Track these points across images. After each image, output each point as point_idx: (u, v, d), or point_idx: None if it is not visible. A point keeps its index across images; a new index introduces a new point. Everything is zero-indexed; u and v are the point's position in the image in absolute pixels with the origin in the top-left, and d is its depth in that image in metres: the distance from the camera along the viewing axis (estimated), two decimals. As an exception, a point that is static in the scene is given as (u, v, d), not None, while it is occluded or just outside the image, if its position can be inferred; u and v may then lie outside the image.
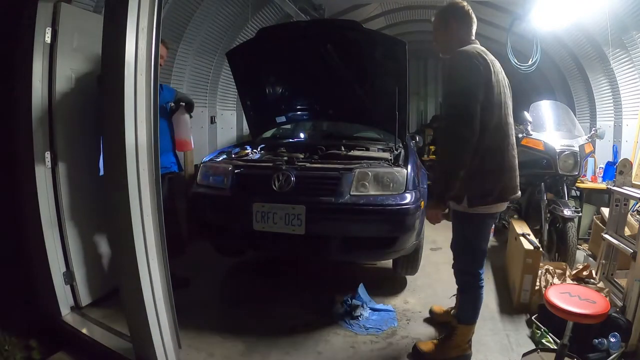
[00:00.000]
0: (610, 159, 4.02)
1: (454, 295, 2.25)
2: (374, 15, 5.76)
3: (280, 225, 2.32)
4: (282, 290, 2.83)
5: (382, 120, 3.14)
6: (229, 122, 5.00)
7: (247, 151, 3.07)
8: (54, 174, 2.22)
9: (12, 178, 2.17)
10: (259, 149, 3.19)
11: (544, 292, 2.23)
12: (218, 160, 2.83)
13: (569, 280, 2.50)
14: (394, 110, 2.76)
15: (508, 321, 2.43)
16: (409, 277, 2.98)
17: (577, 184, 3.68)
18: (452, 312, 2.30)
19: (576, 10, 3.41)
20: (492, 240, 4.12)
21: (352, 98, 3.14)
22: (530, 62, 4.38)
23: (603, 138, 3.44)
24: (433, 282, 2.99)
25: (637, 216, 3.10)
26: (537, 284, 2.49)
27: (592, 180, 4.00)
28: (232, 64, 3.21)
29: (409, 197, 2.34)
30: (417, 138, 3.59)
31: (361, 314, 2.43)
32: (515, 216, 3.54)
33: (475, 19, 1.87)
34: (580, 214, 3.54)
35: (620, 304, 2.25)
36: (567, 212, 2.88)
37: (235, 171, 2.57)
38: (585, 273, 2.55)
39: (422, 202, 2.49)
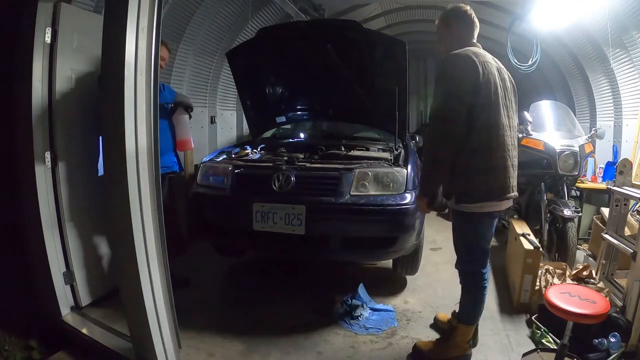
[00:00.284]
0: (610, 159, 4.02)
1: (457, 304, 2.25)
2: (374, 15, 5.77)
3: (280, 225, 2.32)
4: (282, 290, 2.83)
5: (382, 120, 3.14)
6: (229, 122, 5.00)
7: (247, 151, 3.07)
8: (54, 174, 2.22)
9: (12, 178, 2.17)
10: (259, 149, 3.19)
11: (544, 292, 2.23)
12: (218, 160, 2.83)
13: (569, 280, 2.50)
14: (394, 110, 2.76)
15: (508, 321, 2.43)
16: (409, 277, 2.98)
17: (577, 184, 3.68)
18: (449, 320, 2.30)
19: (576, 10, 3.41)
20: (492, 240, 4.12)
21: (352, 98, 3.14)
22: (530, 62, 4.38)
23: (603, 138, 3.44)
24: (433, 282, 2.99)
25: (637, 216, 3.10)
26: (537, 284, 2.49)
27: (592, 180, 4.00)
28: (232, 64, 3.21)
29: (409, 197, 2.34)
30: (417, 138, 3.59)
31: (361, 314, 2.43)
32: (515, 216, 3.54)
33: (477, 23, 1.91)
34: (580, 214, 3.54)
35: (620, 304, 2.25)
36: (567, 212, 2.88)
37: (235, 171, 2.57)
38: (585, 273, 2.55)
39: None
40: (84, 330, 2.14)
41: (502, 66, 1.90)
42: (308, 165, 2.55)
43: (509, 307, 2.58)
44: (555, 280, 2.51)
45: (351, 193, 2.33)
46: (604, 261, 2.62)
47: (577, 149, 3.09)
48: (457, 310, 2.14)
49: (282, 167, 2.46)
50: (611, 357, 1.93)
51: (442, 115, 1.75)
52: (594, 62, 4.23)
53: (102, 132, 2.07)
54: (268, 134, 3.79)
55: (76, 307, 2.35)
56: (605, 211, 3.07)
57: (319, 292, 2.76)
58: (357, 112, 3.30)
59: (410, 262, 2.78)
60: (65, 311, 2.27)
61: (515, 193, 1.90)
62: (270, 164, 2.56)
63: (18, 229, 2.21)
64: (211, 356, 2.07)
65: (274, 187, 2.40)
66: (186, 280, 2.82)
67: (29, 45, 2.05)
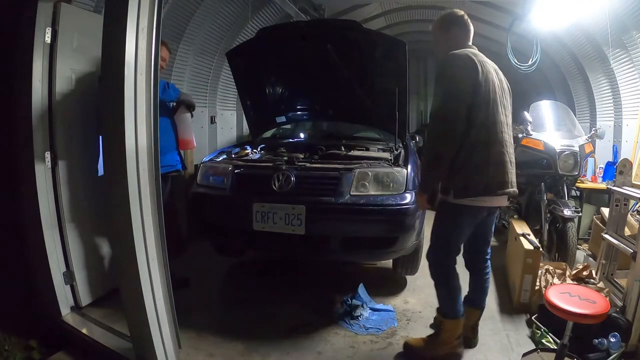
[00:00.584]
0: (610, 159, 4.02)
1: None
2: (374, 15, 5.77)
3: (280, 225, 2.32)
4: (282, 291, 2.83)
5: (382, 120, 3.13)
6: (229, 122, 5.00)
7: (247, 151, 3.07)
8: (54, 174, 2.22)
9: (12, 178, 2.17)
10: (259, 149, 3.19)
11: (544, 292, 2.23)
12: (218, 160, 2.83)
13: (569, 280, 2.50)
14: (394, 110, 2.76)
15: (508, 321, 2.43)
16: (409, 277, 2.98)
17: (577, 184, 3.68)
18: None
19: (576, 10, 3.41)
20: (492, 240, 4.12)
21: (352, 98, 3.14)
22: (530, 62, 4.38)
23: (603, 138, 3.44)
24: (433, 282, 2.99)
25: (637, 216, 3.10)
26: (537, 284, 2.49)
27: (592, 180, 4.00)
28: (232, 64, 3.21)
29: (409, 197, 2.34)
30: (417, 138, 3.59)
31: (361, 314, 2.43)
32: (515, 216, 3.54)
33: (472, 27, 2.01)
34: (580, 214, 3.54)
35: (620, 304, 2.25)
36: (567, 212, 2.88)
37: (235, 171, 2.57)
38: (585, 273, 2.55)
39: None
40: (84, 330, 2.14)
41: (497, 68, 1.96)
42: (308, 165, 2.54)
43: (509, 307, 2.58)
44: (555, 280, 2.51)
45: (351, 193, 2.33)
46: (604, 261, 2.62)
47: (577, 149, 3.09)
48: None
49: (282, 167, 2.46)
50: (611, 357, 1.93)
51: (443, 114, 1.80)
52: (594, 62, 4.23)
53: (102, 132, 2.07)
54: (268, 134, 3.79)
55: (76, 307, 2.35)
56: (605, 211, 3.07)
57: (319, 292, 2.76)
58: (357, 112, 3.30)
59: (410, 262, 2.78)
60: (65, 311, 2.27)
61: (514, 189, 1.93)
62: (270, 164, 2.56)
63: (18, 228, 2.21)
64: (211, 356, 2.07)
65: (274, 187, 2.40)
66: (186, 280, 2.82)
67: (29, 45, 2.05)
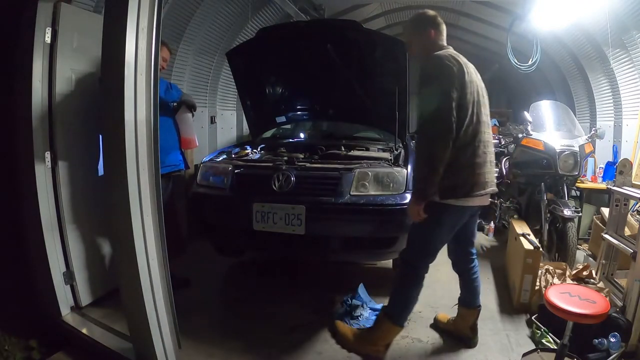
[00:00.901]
0: (610, 159, 4.03)
1: (455, 305, 2.25)
2: (374, 15, 5.77)
3: (280, 225, 2.32)
4: (282, 290, 2.82)
5: (382, 120, 3.13)
6: (229, 122, 5.01)
7: (247, 151, 3.07)
8: (54, 174, 2.22)
9: (12, 178, 2.17)
10: (259, 149, 3.19)
11: (544, 292, 2.23)
12: (218, 160, 2.83)
13: (569, 280, 2.50)
14: (394, 110, 2.76)
15: (508, 321, 2.43)
16: (409, 277, 2.98)
17: (577, 184, 3.68)
18: (450, 319, 2.30)
19: (576, 10, 3.41)
20: (492, 240, 4.13)
21: (352, 98, 3.14)
22: (530, 62, 4.38)
23: (603, 138, 3.43)
24: (433, 282, 2.99)
25: (637, 216, 3.10)
26: (537, 284, 2.49)
27: (592, 180, 4.00)
28: (232, 64, 3.21)
29: (409, 197, 2.33)
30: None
31: (361, 314, 2.42)
32: (515, 216, 3.54)
33: (445, 28, 2.03)
34: (580, 214, 3.53)
35: (620, 304, 2.25)
36: (567, 212, 2.88)
37: (235, 171, 2.57)
38: (585, 273, 2.55)
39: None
40: (84, 330, 2.14)
41: (476, 69, 1.96)
42: (308, 165, 2.55)
43: (509, 307, 2.58)
44: (555, 280, 2.51)
45: (351, 193, 2.33)
46: (604, 261, 2.62)
47: (577, 149, 3.08)
48: (454, 318, 2.15)
49: (282, 167, 2.46)
50: (611, 357, 1.93)
51: (437, 115, 1.77)
52: (594, 62, 4.23)
53: (102, 132, 2.07)
54: (268, 134, 3.79)
55: (76, 307, 2.35)
56: (605, 211, 3.07)
57: (319, 292, 2.76)
58: (357, 112, 3.30)
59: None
60: (65, 311, 2.27)
61: (494, 187, 1.96)
62: (270, 164, 2.56)
63: (18, 229, 2.21)
64: (211, 356, 2.07)
65: (274, 187, 2.40)
66: (186, 280, 2.82)
67: (29, 45, 2.05)
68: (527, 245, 2.55)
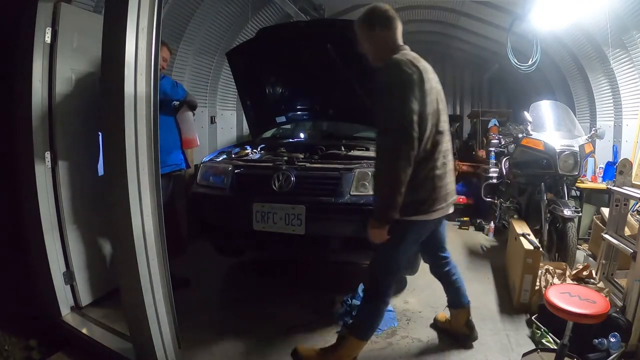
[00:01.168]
0: (610, 159, 4.02)
1: (447, 307, 2.24)
2: (374, 15, 5.76)
3: (280, 225, 2.32)
4: (282, 290, 2.82)
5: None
6: (229, 122, 5.00)
7: (247, 151, 3.07)
8: (54, 174, 2.22)
9: (12, 178, 2.17)
10: (259, 149, 3.19)
11: (544, 292, 2.23)
12: (218, 160, 2.83)
13: (569, 280, 2.50)
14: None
15: (508, 321, 2.43)
16: (409, 277, 2.98)
17: (577, 184, 3.68)
18: (448, 319, 2.29)
19: (576, 10, 3.41)
20: (492, 240, 4.13)
21: (352, 98, 3.14)
22: (530, 62, 4.38)
23: (603, 138, 3.43)
24: (433, 282, 2.96)
25: (637, 216, 3.10)
26: (537, 284, 2.49)
27: (592, 180, 4.00)
28: (232, 64, 3.21)
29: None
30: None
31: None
32: (515, 216, 3.54)
33: (400, 23, 1.78)
34: (580, 214, 3.53)
35: (620, 304, 2.25)
36: (567, 212, 2.88)
37: (235, 171, 2.57)
38: (585, 273, 2.55)
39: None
40: (84, 330, 2.14)
41: (434, 72, 1.80)
42: (308, 165, 2.54)
43: (509, 307, 2.58)
44: (555, 280, 2.51)
45: (351, 193, 2.33)
46: (604, 261, 2.62)
47: (577, 149, 3.08)
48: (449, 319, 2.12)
49: (282, 167, 2.46)
50: (611, 357, 1.93)
51: (397, 131, 1.60)
52: (594, 62, 4.23)
53: (102, 132, 2.07)
54: (268, 134, 3.79)
55: (76, 307, 2.36)
56: (605, 211, 3.07)
57: (319, 292, 2.76)
58: (357, 112, 3.29)
59: (410, 262, 2.77)
60: (65, 311, 2.27)
61: (455, 196, 1.89)
62: (270, 164, 2.56)
63: (18, 229, 2.21)
64: (211, 356, 2.07)
65: (274, 187, 2.40)
66: (186, 280, 2.82)
67: (29, 45, 2.05)
68: (527, 245, 2.55)
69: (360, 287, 2.62)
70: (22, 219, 2.21)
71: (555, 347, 1.95)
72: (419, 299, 2.72)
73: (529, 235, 2.75)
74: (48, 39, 2.11)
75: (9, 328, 2.04)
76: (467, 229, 4.55)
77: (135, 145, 1.64)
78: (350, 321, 2.33)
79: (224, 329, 2.30)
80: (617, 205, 2.52)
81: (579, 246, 3.31)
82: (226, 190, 2.54)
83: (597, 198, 3.91)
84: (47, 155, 2.17)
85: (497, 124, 5.03)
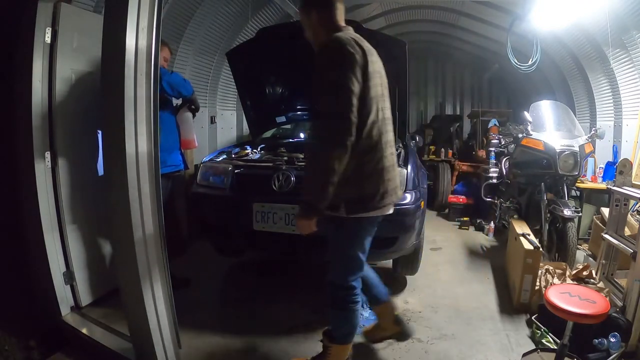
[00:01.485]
0: (610, 159, 4.03)
1: (369, 307, 2.21)
2: (374, 15, 5.76)
3: (280, 225, 2.32)
4: (282, 290, 2.83)
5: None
6: (229, 122, 5.00)
7: (247, 151, 3.07)
8: (54, 174, 2.22)
9: (12, 178, 2.17)
10: (259, 149, 3.19)
11: (544, 292, 2.23)
12: (218, 160, 2.83)
13: (569, 280, 2.50)
14: (394, 110, 2.74)
15: (508, 321, 2.43)
16: (409, 277, 2.98)
17: (577, 184, 3.68)
18: (375, 325, 2.21)
19: (576, 10, 3.41)
20: (492, 240, 4.13)
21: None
22: (530, 62, 4.38)
23: (603, 138, 3.43)
24: (433, 282, 2.99)
25: (637, 216, 3.10)
26: (537, 284, 2.49)
27: (592, 180, 4.00)
28: (232, 64, 3.21)
29: (409, 197, 2.34)
30: (417, 138, 3.59)
31: (361, 314, 2.42)
32: (515, 216, 3.54)
33: (341, 3, 1.67)
34: (580, 214, 3.54)
35: (620, 304, 2.25)
36: (567, 212, 2.88)
37: (235, 171, 2.57)
38: (585, 273, 2.55)
39: (422, 202, 2.48)
40: (84, 330, 2.14)
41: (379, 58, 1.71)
42: (308, 165, 2.54)
43: (509, 307, 2.59)
44: (555, 280, 2.51)
45: (351, 193, 2.33)
46: (604, 261, 2.62)
47: (577, 149, 3.08)
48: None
49: (282, 167, 2.46)
50: (611, 357, 1.93)
51: (332, 114, 1.48)
52: (594, 62, 4.23)
53: (102, 131, 2.07)
54: (268, 134, 3.79)
55: (76, 307, 2.35)
56: (605, 211, 3.07)
57: (319, 292, 2.75)
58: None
59: (410, 262, 2.78)
60: (65, 311, 2.27)
61: (399, 194, 1.79)
62: (270, 164, 2.56)
63: (18, 229, 2.21)
64: (211, 356, 2.07)
65: (274, 187, 2.40)
66: (186, 280, 2.82)
67: (29, 45, 2.05)
68: (527, 245, 2.55)
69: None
70: (22, 219, 2.20)
71: (555, 347, 1.95)
72: (419, 299, 2.72)
73: (529, 235, 2.75)
74: (48, 39, 2.11)
75: (9, 328, 2.04)
76: (467, 229, 4.55)
77: (135, 146, 1.64)
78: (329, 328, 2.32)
79: (224, 329, 2.30)
80: (617, 205, 2.52)
81: (579, 246, 3.31)
82: (226, 190, 2.54)
83: (597, 198, 3.91)
84: (47, 155, 2.17)
85: (497, 124, 5.03)
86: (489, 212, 4.50)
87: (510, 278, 2.84)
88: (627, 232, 2.61)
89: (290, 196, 2.35)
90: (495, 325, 2.39)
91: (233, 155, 2.96)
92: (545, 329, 2.19)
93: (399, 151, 2.79)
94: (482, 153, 5.34)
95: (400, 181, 2.38)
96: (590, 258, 3.31)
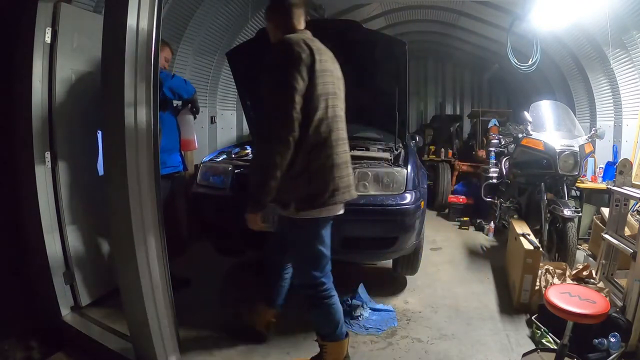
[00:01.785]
0: (610, 159, 4.02)
1: (259, 300, 2.20)
2: (374, 15, 5.76)
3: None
4: (282, 290, 2.82)
5: (382, 120, 3.13)
6: (229, 122, 5.00)
7: (247, 151, 3.07)
8: (54, 174, 2.22)
9: (12, 178, 2.17)
10: (258, 149, 3.19)
11: (544, 292, 2.23)
12: (218, 160, 2.83)
13: (569, 280, 2.50)
14: (394, 110, 2.76)
15: (508, 321, 2.43)
16: (409, 277, 2.98)
17: (577, 184, 3.68)
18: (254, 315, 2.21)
19: (576, 10, 3.41)
20: (492, 240, 4.13)
21: (352, 98, 3.13)
22: (530, 62, 4.38)
23: (603, 138, 3.43)
24: (433, 282, 2.99)
25: (637, 216, 3.10)
26: (537, 284, 2.49)
27: (592, 180, 4.00)
28: (232, 64, 3.21)
29: (409, 197, 2.34)
30: (417, 138, 3.59)
31: (361, 314, 2.43)
32: (515, 216, 3.54)
33: (299, 8, 1.75)
34: (580, 214, 3.53)
35: (620, 304, 2.25)
36: (567, 212, 2.88)
37: (235, 171, 2.57)
38: (585, 273, 2.55)
39: (422, 202, 2.48)
40: (84, 330, 2.14)
41: (334, 57, 1.78)
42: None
43: (509, 307, 2.59)
44: (555, 280, 2.51)
45: (351, 193, 2.33)
46: (604, 261, 2.62)
47: (577, 149, 3.08)
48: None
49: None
50: (611, 357, 1.93)
51: (275, 109, 1.56)
52: (594, 62, 4.23)
53: (102, 132, 2.07)
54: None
55: (76, 307, 2.35)
56: (605, 211, 3.07)
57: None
58: (357, 112, 3.28)
59: (410, 262, 2.78)
60: (65, 311, 2.27)
61: (354, 193, 1.78)
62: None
63: (18, 229, 2.21)
64: (211, 356, 2.07)
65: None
66: (186, 280, 2.82)
67: (29, 45, 2.05)
68: (527, 245, 2.55)
69: (361, 287, 2.62)
70: (22, 219, 2.20)
71: (555, 347, 1.95)
72: (419, 299, 2.72)
73: (529, 235, 2.75)
74: (48, 39, 2.11)
75: (9, 328, 2.04)
76: (467, 229, 4.55)
77: (135, 145, 1.64)
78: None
79: (224, 329, 2.30)
80: (617, 205, 2.52)
81: (579, 246, 3.31)
82: (226, 190, 2.54)
83: (597, 198, 3.91)
84: (47, 155, 2.17)
85: (497, 124, 5.03)
86: (489, 212, 4.50)
87: (510, 278, 2.84)
88: (627, 232, 2.61)
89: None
90: (495, 325, 2.39)
91: (233, 155, 2.96)
92: (545, 329, 2.19)
93: (399, 151, 2.80)
94: (482, 153, 5.34)
95: (401, 181, 2.39)
96: (590, 258, 3.31)
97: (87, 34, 2.29)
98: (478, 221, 4.57)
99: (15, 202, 2.19)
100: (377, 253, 2.54)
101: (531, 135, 3.33)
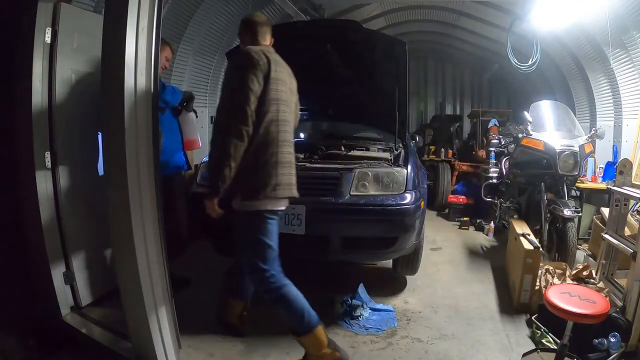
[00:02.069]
0: (610, 159, 4.03)
1: (226, 295, 2.26)
2: (374, 15, 5.76)
3: (280, 225, 2.31)
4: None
5: (382, 120, 3.13)
6: (229, 122, 5.00)
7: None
8: (54, 174, 2.22)
9: (12, 178, 2.16)
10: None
11: (544, 292, 2.23)
12: (218, 160, 2.83)
13: (569, 280, 2.50)
14: (394, 110, 2.76)
15: (508, 321, 2.43)
16: (409, 277, 2.98)
17: (577, 184, 3.68)
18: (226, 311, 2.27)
19: (576, 10, 3.41)
20: (492, 240, 4.13)
21: (352, 98, 3.14)
22: (530, 62, 4.38)
23: (603, 138, 3.43)
24: (433, 282, 2.99)
25: (637, 216, 3.10)
26: (537, 284, 2.49)
27: (592, 180, 4.00)
28: (232, 64, 3.21)
29: (409, 197, 2.34)
30: (417, 138, 3.59)
31: (361, 314, 2.43)
32: (515, 216, 3.54)
33: (264, 27, 1.98)
34: (580, 214, 3.53)
35: (620, 304, 2.25)
36: (567, 212, 2.88)
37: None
38: (585, 273, 2.55)
39: (422, 202, 2.48)
40: (84, 330, 2.15)
41: (291, 73, 1.99)
42: (308, 165, 2.54)
43: (509, 307, 2.59)
44: (555, 280, 2.51)
45: (351, 193, 2.33)
46: (604, 261, 2.62)
47: (577, 149, 3.08)
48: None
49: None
50: (611, 357, 1.93)
51: (232, 105, 1.74)
52: (594, 62, 4.23)
53: (102, 132, 2.07)
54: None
55: (76, 307, 2.35)
56: (605, 211, 3.07)
57: (319, 292, 2.75)
58: (357, 112, 3.29)
59: (410, 262, 2.78)
60: (65, 311, 2.27)
61: (295, 192, 1.90)
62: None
63: (18, 228, 2.21)
64: (211, 356, 2.07)
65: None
66: (186, 280, 2.82)
67: (29, 45, 2.05)
68: (527, 245, 2.55)
69: (361, 287, 2.62)
70: (22, 219, 2.20)
71: (555, 347, 1.95)
72: (419, 299, 2.72)
73: (529, 235, 2.75)
74: (48, 39, 2.11)
75: (9, 328, 2.04)
76: (467, 229, 4.55)
77: (135, 145, 1.64)
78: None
79: (223, 329, 2.30)
80: (617, 205, 2.52)
81: (579, 246, 3.31)
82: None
83: (597, 198, 3.91)
84: (47, 155, 2.17)
85: (497, 124, 5.03)
86: (489, 212, 4.50)
87: (510, 278, 2.84)
88: (627, 232, 2.61)
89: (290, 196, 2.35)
90: (495, 325, 2.39)
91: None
92: (545, 329, 2.19)
93: (399, 151, 2.80)
94: (482, 153, 5.34)
95: (401, 181, 2.39)
96: (590, 258, 3.31)
97: (87, 34, 2.29)
98: (478, 221, 4.57)
99: (15, 202, 2.19)
100: (377, 253, 2.54)
101: (531, 135, 3.33)
